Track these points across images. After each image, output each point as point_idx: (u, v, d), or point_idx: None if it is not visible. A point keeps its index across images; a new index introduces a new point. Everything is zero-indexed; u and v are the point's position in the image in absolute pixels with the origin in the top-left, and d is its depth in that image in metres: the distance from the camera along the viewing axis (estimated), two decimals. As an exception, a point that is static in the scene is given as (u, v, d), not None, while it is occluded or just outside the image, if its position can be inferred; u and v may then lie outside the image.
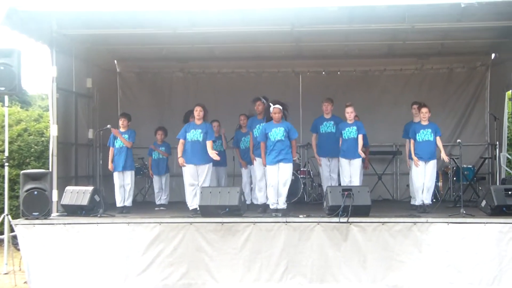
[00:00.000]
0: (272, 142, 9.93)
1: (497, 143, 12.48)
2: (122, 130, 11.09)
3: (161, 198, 12.24)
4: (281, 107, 10.02)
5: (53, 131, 10.65)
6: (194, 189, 10.33)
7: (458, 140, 10.42)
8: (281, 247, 9.06)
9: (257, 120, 11.01)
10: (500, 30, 11.72)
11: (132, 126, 12.13)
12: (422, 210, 10.19)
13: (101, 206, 9.95)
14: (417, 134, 10.52)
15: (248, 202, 11.00)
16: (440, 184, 13.17)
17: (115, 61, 14.79)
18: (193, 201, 10.34)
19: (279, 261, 9.05)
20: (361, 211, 9.19)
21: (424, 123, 10.53)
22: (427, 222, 8.96)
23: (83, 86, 12.48)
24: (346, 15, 10.29)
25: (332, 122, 11.43)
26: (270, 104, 10.17)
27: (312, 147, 11.98)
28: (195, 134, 10.39)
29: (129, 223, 9.30)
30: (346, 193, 9.21)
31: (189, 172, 10.40)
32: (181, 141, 10.46)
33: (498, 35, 12.13)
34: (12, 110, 14.73)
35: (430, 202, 10.44)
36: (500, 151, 12.42)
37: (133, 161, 11.21)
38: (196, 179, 10.38)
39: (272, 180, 9.89)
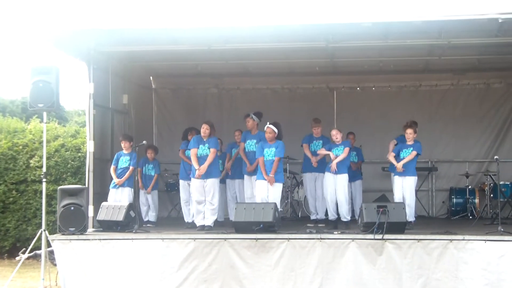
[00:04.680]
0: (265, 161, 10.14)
1: (536, 159, 12.28)
2: (125, 152, 11.14)
3: (148, 214, 11.79)
4: (274, 128, 10.16)
5: (89, 147, 10.75)
6: (201, 206, 10.37)
7: (496, 157, 10.23)
8: (316, 264, 8.99)
9: (250, 135, 11.09)
10: (537, 44, 11.53)
11: (166, 141, 12.05)
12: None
13: (136, 222, 10.01)
14: (401, 153, 10.56)
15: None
16: (476, 201, 13.01)
17: (151, 77, 14.95)
18: (197, 217, 10.42)
19: (313, 278, 8.97)
20: (396, 228, 9.08)
21: (409, 143, 10.46)
22: (463, 240, 8.82)
23: (119, 102, 12.61)
24: (381, 31, 10.26)
25: (321, 142, 11.47)
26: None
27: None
28: (203, 150, 10.40)
29: (163, 239, 9.33)
30: (381, 209, 9.11)
31: (195, 187, 10.40)
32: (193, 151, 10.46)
33: (536, 49, 11.95)
34: (49, 126, 14.93)
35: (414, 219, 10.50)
36: (539, 167, 12.21)
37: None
38: (202, 194, 10.36)
39: (261, 194, 10.04)
